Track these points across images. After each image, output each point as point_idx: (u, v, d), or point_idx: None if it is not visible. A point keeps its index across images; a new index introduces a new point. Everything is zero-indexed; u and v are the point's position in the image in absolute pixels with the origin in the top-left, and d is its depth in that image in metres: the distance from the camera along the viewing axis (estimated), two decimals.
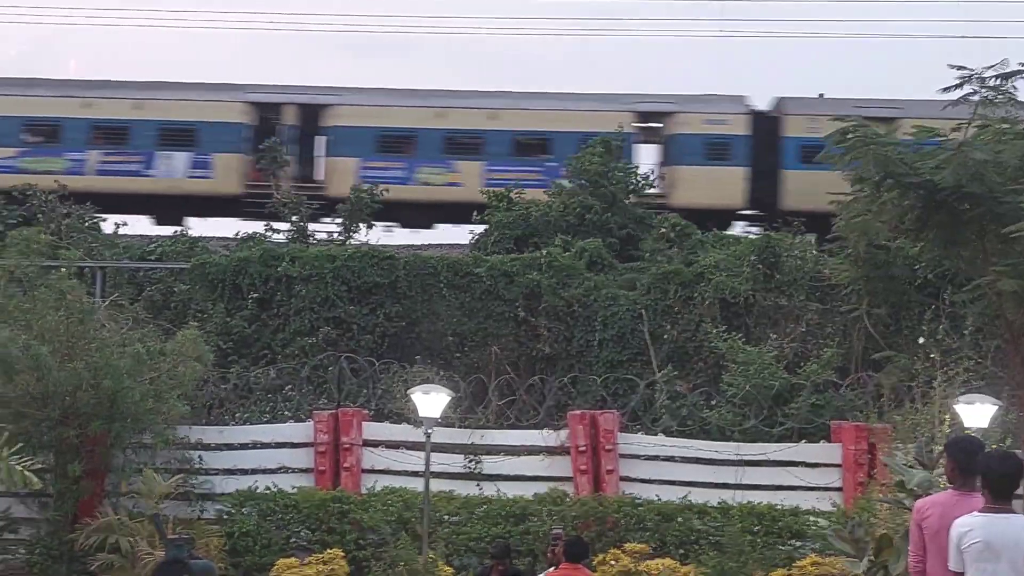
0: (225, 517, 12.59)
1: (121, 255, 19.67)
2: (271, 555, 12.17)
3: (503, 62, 55.68)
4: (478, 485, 13.58)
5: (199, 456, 13.29)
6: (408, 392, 13.40)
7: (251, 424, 14.87)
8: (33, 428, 11.75)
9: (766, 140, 24.48)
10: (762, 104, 25.45)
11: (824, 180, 20.47)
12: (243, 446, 13.82)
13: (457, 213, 23.72)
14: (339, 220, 22.03)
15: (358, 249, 19.23)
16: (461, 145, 24.75)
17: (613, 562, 12.20)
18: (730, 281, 17.47)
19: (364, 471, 13.73)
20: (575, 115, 24.42)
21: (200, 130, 24.61)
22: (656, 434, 14.81)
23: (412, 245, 23.03)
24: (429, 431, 12.25)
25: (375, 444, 13.98)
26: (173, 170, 24.63)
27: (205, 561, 9.26)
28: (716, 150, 24.29)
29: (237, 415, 15.55)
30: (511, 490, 13.46)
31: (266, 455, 13.72)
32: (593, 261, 18.94)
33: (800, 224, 20.48)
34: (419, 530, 12.20)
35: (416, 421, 13.10)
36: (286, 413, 15.74)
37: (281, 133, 24.79)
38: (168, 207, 24.66)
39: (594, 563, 11.59)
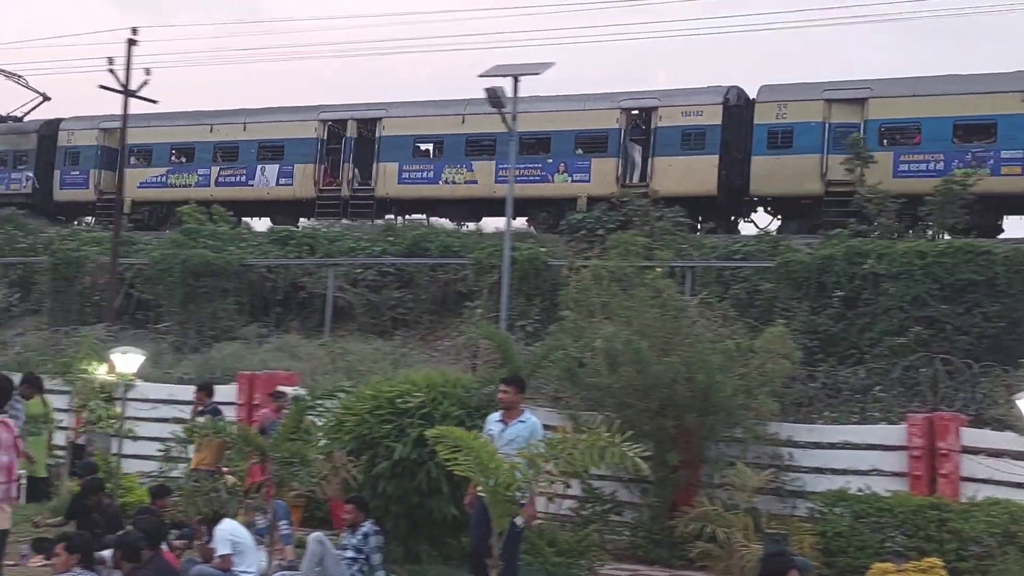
0: (817, 516, 12.45)
1: (708, 255, 20.38)
2: (865, 558, 11.80)
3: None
4: None
5: (789, 453, 13.28)
6: (1012, 398, 12.37)
7: (840, 424, 14.63)
8: (635, 417, 12.46)
9: (738, 128, 25.08)
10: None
11: (789, 164, 22.90)
12: (832, 446, 13.57)
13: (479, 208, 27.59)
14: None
15: (950, 244, 18.15)
16: (479, 147, 27.22)
17: None
18: None
19: (963, 479, 12.87)
20: (571, 115, 26.34)
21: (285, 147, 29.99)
22: None
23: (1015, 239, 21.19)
24: None
25: (975, 452, 13.05)
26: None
27: (804, 559, 9.23)
28: (692, 140, 25.19)
29: (825, 414, 15.38)
30: None
31: (857, 456, 13.33)
32: None
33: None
34: None
35: (1022, 429, 12.04)
36: (875, 414, 15.28)
37: (346, 144, 29.53)
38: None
39: None
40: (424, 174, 28.36)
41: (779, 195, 24.82)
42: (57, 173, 33.18)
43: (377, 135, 29.06)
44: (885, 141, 23.50)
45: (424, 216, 29.10)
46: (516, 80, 20.01)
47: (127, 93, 25.14)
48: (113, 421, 15.69)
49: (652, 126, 25.90)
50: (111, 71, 24.80)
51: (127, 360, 15.32)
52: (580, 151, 26.62)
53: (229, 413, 14.33)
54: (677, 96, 26.05)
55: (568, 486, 12.57)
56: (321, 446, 10.35)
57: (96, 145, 32.48)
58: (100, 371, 15.37)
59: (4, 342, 20.98)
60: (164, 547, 9.79)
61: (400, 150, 28.36)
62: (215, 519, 10.15)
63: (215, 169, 30.85)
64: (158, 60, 42.21)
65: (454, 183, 27.75)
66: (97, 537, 10.25)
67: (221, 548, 10.06)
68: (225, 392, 16.31)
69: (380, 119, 29.14)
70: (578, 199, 25.76)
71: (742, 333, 14.17)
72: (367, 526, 10.42)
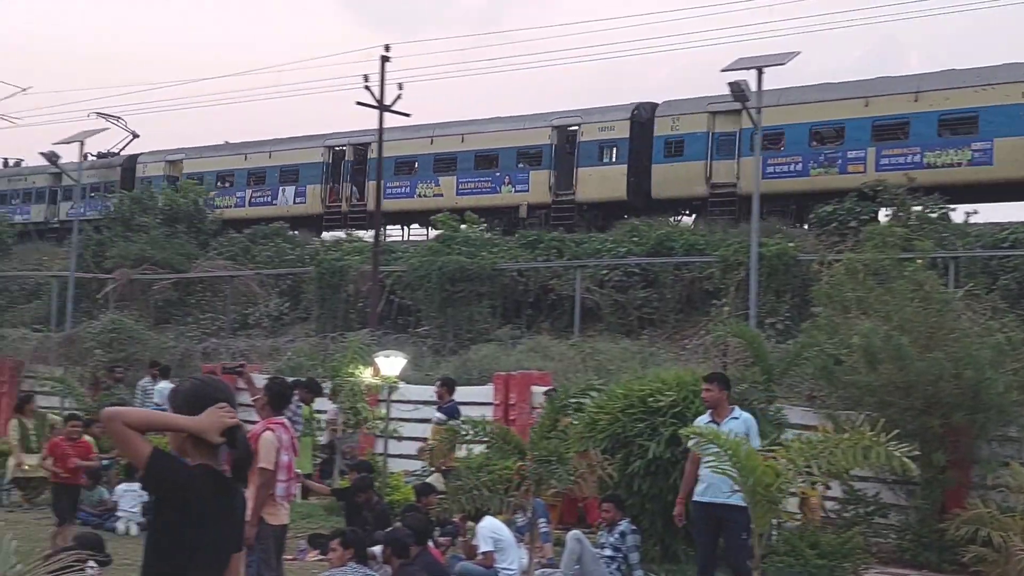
0: None
1: (972, 244, 19.31)
2: None
3: None
4: None
5: None
6: None
7: None
8: (897, 416, 11.95)
9: (644, 140, 28.26)
10: None
11: (681, 170, 26.74)
12: None
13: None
14: None
15: None
16: (444, 164, 31.60)
17: None
18: None
19: None
20: (514, 134, 30.42)
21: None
22: None
23: None
24: None
25: None
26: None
27: None
28: (606, 152, 28.84)
29: None
30: None
31: None
32: None
33: None
34: None
35: None
36: None
37: (345, 167, 33.95)
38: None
39: None
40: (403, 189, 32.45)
41: (675, 198, 28.06)
42: None
43: (368, 157, 32.31)
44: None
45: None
46: (760, 72, 19.61)
47: (382, 108, 26.33)
48: (379, 422, 16.51)
49: (576, 141, 29.49)
50: (366, 87, 26.07)
51: (390, 363, 16.08)
52: (521, 165, 30.49)
53: (487, 413, 14.78)
54: (595, 114, 29.57)
55: (828, 487, 12.25)
56: (576, 445, 10.53)
57: (163, 175, 38.57)
58: (366, 374, 16.20)
59: (277, 348, 22.41)
60: (430, 544, 10.22)
61: (385, 170, 29.57)
62: (477, 517, 10.51)
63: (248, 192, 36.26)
64: (409, 75, 44.10)
65: (424, 196, 31.97)
66: (367, 534, 10.83)
67: (483, 545, 10.40)
68: (482, 392, 16.85)
69: (370, 144, 31.04)
70: (520, 207, 29.71)
71: (1013, 326, 13.36)
72: (624, 524, 10.52)
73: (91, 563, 8.04)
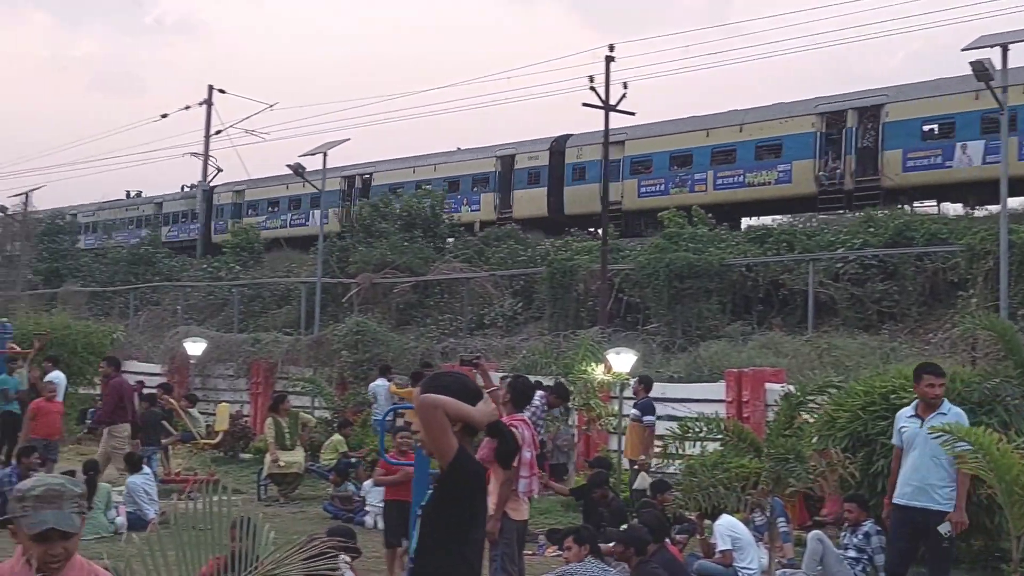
0: None
1: None
2: None
3: None
4: None
5: None
6: None
7: None
8: None
9: (559, 167, 34.80)
10: None
11: (584, 191, 33.35)
12: None
13: None
14: None
15: None
16: None
17: None
18: None
19: None
20: (471, 163, 37.75)
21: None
22: None
23: None
24: None
25: None
26: None
27: None
28: (532, 177, 35.53)
29: None
30: None
31: None
32: None
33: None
34: None
35: None
36: None
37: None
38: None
39: None
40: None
41: (580, 214, 33.82)
42: (212, 224, 48.30)
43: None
44: (632, 172, 32.69)
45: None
46: (1005, 50, 18.51)
47: (607, 108, 26.49)
48: (611, 419, 16.66)
49: (513, 168, 36.09)
50: (592, 88, 26.29)
51: (621, 360, 16.21)
52: (475, 189, 37.38)
53: (719, 410, 14.64)
54: (526, 145, 36.26)
55: None
56: (814, 443, 10.31)
57: (231, 203, 46.17)
58: (598, 371, 16.38)
59: (512, 347, 22.92)
60: (667, 541, 10.25)
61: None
62: (713, 515, 10.47)
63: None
64: (633, 75, 44.15)
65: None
66: (603, 530, 10.96)
67: (721, 543, 10.35)
68: (713, 390, 16.72)
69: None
70: (474, 224, 35.54)
71: None
72: (868, 525, 10.24)
73: (343, 556, 8.52)
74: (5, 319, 23.91)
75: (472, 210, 37.04)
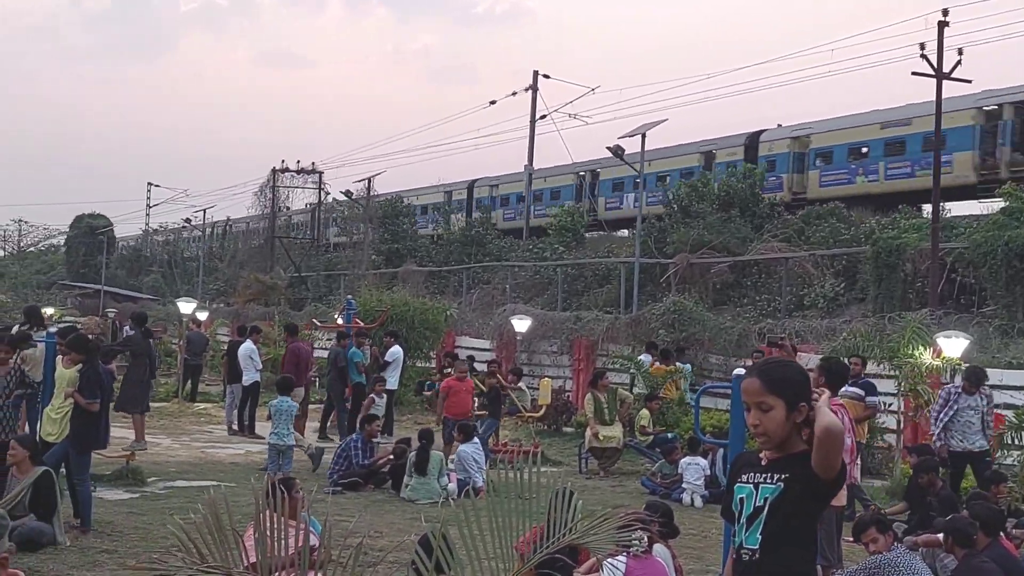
0: None
1: None
2: None
3: None
4: None
5: None
6: None
7: None
8: None
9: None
10: None
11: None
12: None
13: None
14: None
15: None
16: None
17: None
18: None
19: None
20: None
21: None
22: None
23: None
24: None
25: None
26: None
27: None
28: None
29: None
30: None
31: None
32: None
33: None
34: None
35: None
36: None
37: None
38: None
39: None
40: None
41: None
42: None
43: None
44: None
45: None
46: None
47: (940, 76, 25.06)
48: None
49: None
50: (923, 56, 24.94)
51: (952, 344, 15.43)
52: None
53: None
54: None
55: None
56: None
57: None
58: (926, 356, 15.67)
59: (833, 329, 22.26)
60: (1002, 535, 9.72)
61: None
62: None
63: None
64: (970, 40, 41.41)
65: None
66: (930, 520, 10.56)
67: None
68: None
69: None
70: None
71: None
72: None
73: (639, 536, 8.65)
74: (351, 296, 26.03)
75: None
